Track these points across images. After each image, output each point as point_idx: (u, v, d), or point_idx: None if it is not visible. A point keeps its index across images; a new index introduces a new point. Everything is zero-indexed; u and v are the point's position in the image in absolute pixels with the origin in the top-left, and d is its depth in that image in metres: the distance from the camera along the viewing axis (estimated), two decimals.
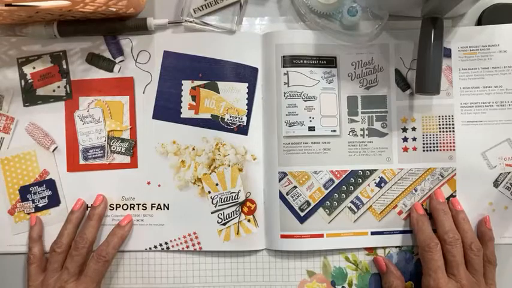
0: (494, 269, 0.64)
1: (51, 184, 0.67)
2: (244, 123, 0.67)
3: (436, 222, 0.65)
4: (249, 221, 0.67)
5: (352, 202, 0.67)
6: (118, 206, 0.67)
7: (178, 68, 0.67)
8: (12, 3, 0.56)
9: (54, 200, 0.67)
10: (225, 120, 0.67)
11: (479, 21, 0.68)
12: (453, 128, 0.67)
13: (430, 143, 0.67)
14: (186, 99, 0.67)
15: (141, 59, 0.68)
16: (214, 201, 0.67)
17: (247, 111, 0.67)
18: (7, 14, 0.61)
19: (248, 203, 0.67)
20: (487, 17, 0.67)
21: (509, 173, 0.66)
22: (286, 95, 0.66)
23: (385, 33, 0.67)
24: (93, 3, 0.58)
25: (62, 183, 0.67)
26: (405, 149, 0.67)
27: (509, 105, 0.66)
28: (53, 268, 0.64)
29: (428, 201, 0.67)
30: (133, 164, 0.67)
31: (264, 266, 0.67)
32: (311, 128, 0.67)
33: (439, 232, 0.64)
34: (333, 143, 0.67)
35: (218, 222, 0.67)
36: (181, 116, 0.68)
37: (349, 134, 0.67)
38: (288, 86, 0.66)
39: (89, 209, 0.67)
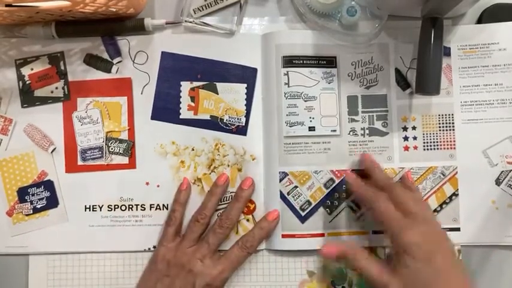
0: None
1: (49, 185, 0.67)
2: (243, 124, 0.67)
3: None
4: (248, 220, 0.66)
5: (352, 201, 0.66)
6: (116, 206, 0.67)
7: (176, 69, 0.67)
8: (13, 4, 0.56)
9: (52, 201, 0.67)
10: (224, 121, 0.67)
11: (479, 22, 0.68)
12: (453, 126, 0.66)
13: (431, 142, 0.67)
14: (185, 100, 0.67)
15: (139, 59, 0.67)
16: None
17: (245, 111, 0.67)
18: (7, 14, 0.61)
19: (247, 203, 0.66)
20: (487, 17, 0.67)
21: (511, 170, 0.66)
22: (286, 95, 0.66)
23: (384, 33, 0.67)
24: (93, 3, 0.58)
25: (61, 184, 0.67)
26: (406, 148, 0.67)
27: (510, 103, 0.66)
28: (192, 237, 0.63)
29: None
30: (132, 165, 0.67)
31: (264, 266, 0.66)
32: (311, 128, 0.66)
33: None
34: (333, 143, 0.66)
35: None
36: (180, 116, 0.67)
37: (349, 134, 0.67)
38: (289, 87, 0.66)
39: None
